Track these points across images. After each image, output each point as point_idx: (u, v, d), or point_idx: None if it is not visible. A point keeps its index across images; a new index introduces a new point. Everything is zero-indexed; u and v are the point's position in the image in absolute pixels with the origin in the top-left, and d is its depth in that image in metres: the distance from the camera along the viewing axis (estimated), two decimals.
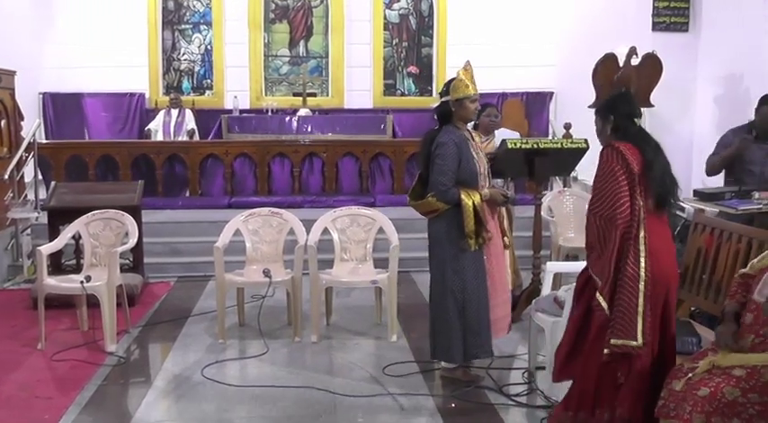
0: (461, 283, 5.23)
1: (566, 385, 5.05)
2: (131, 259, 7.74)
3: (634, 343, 3.80)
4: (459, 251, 5.21)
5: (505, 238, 5.49)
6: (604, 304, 3.88)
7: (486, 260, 5.29)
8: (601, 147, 4.16)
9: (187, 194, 10.56)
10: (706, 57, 9.52)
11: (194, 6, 14.39)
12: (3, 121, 8.68)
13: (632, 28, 9.93)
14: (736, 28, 8.74)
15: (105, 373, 5.60)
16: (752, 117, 6.80)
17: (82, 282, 6.15)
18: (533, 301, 5.46)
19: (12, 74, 8.93)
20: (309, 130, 12.37)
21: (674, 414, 3.46)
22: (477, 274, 5.26)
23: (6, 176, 8.52)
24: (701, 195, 6.07)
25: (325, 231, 6.81)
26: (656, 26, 9.65)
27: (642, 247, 3.86)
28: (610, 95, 4.53)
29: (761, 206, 5.49)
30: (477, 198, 5.19)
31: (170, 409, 5.03)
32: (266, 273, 6.41)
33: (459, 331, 5.25)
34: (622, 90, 4.64)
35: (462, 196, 5.18)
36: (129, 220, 6.81)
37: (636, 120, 4.20)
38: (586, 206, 7.97)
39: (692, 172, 9.57)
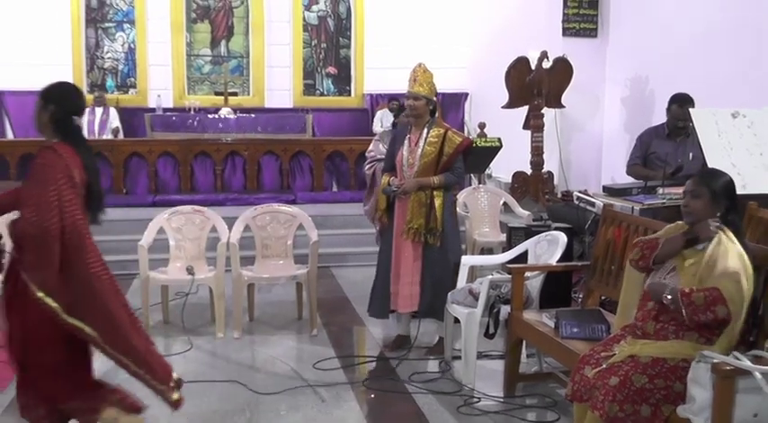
0: (379, 252, 6.06)
1: (478, 373, 5.16)
2: None
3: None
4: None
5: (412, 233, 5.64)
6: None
7: (394, 241, 5.72)
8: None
9: (111, 193, 10.35)
10: (613, 61, 9.71)
11: (117, 5, 14.12)
12: None
13: (543, 33, 10.06)
14: (641, 34, 8.95)
15: None
16: (657, 116, 6.96)
17: (4, 282, 5.98)
18: (449, 293, 5.50)
19: None
20: (231, 128, 12.25)
21: (586, 398, 3.54)
22: (384, 249, 5.92)
23: None
24: (609, 191, 6.17)
25: (247, 228, 6.76)
26: (567, 32, 9.80)
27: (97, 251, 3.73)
28: (57, 82, 3.96)
29: (665, 201, 5.60)
30: (384, 181, 5.78)
31: None
32: (189, 270, 6.36)
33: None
34: (68, 82, 4.10)
35: (383, 177, 5.85)
36: None
37: (76, 118, 3.87)
38: (500, 202, 8.17)
39: (601, 169, 9.79)
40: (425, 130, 5.66)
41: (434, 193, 5.60)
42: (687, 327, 3.50)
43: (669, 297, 3.47)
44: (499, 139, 6.51)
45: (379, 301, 5.91)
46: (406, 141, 5.71)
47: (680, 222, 3.81)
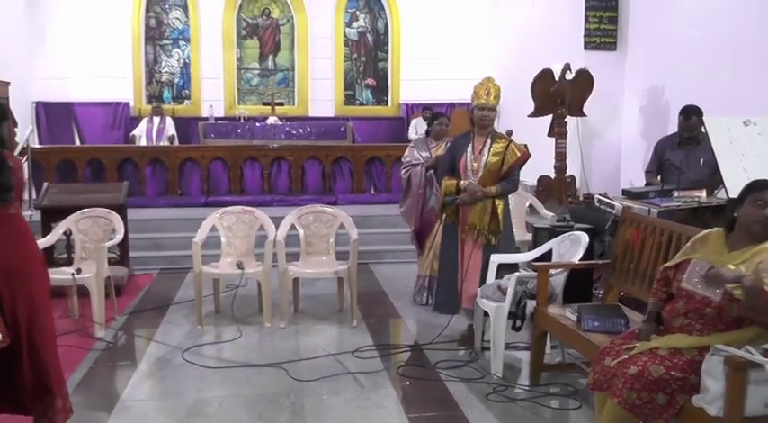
0: (441, 251, 6.03)
1: (506, 363, 5.14)
2: (118, 253, 7.62)
3: None
4: (444, 226, 5.93)
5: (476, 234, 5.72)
6: None
7: (460, 241, 5.74)
8: None
9: (168, 194, 10.45)
10: (632, 72, 9.62)
11: (174, 24, 14.30)
12: None
13: (566, 47, 10.00)
14: (658, 48, 8.86)
15: (95, 357, 5.53)
16: (673, 125, 6.90)
17: (73, 274, 6.11)
18: (479, 288, 5.49)
19: (6, 84, 8.78)
20: (277, 135, 12.30)
21: (606, 387, 3.50)
22: (449, 249, 5.85)
23: None
24: (628, 194, 6.10)
25: (292, 227, 6.78)
26: (588, 45, 9.73)
27: None
28: None
29: (680, 204, 5.54)
30: (449, 185, 5.75)
31: (153, 390, 4.99)
32: (239, 265, 6.38)
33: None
34: None
35: (443, 181, 5.83)
36: (116, 217, 6.73)
37: None
38: (526, 204, 8.11)
39: (620, 173, 9.71)
40: (489, 140, 5.72)
41: (496, 199, 5.70)
42: (713, 327, 3.45)
43: (746, 285, 3.24)
44: (526, 146, 6.47)
45: (447, 298, 5.90)
46: (469, 148, 5.74)
47: (717, 230, 3.73)
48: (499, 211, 5.69)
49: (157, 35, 14.29)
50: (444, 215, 5.88)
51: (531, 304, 5.03)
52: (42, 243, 6.47)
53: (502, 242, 5.73)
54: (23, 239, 3.70)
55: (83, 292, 6.24)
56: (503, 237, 5.74)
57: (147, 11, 14.14)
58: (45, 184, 8.32)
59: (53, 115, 13.35)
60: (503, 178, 5.70)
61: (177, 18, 14.30)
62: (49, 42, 13.32)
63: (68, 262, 7.13)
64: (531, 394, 4.79)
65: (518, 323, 5.14)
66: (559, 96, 9.28)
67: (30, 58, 12.96)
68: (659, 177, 6.83)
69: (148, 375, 5.21)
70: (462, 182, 5.68)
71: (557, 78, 9.33)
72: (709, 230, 3.79)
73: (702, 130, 6.12)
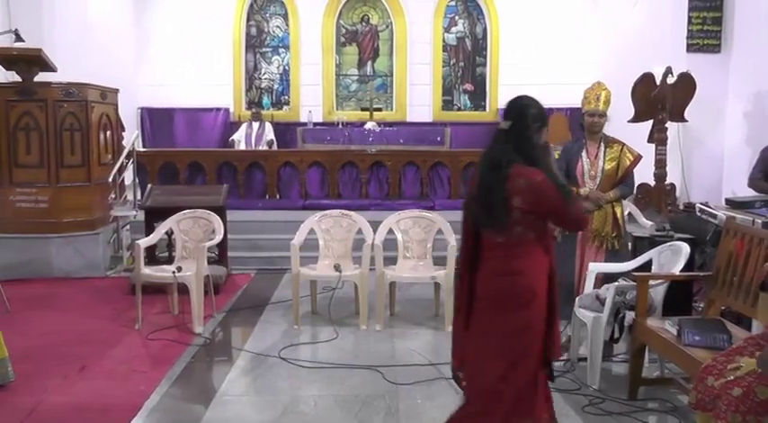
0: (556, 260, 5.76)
1: (603, 376, 5.03)
2: (217, 253, 7.81)
3: None
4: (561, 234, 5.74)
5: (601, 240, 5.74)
6: None
7: (578, 247, 5.71)
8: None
9: (266, 197, 10.62)
10: (736, 76, 9.34)
11: (274, 32, 14.58)
12: (108, 132, 8.85)
13: (668, 49, 9.79)
14: (764, 49, 8.56)
15: (193, 352, 5.69)
16: None
17: (174, 272, 6.28)
18: (577, 298, 5.39)
19: (115, 91, 9.10)
20: (375, 140, 12.36)
21: (709, 408, 3.38)
22: (567, 257, 5.66)
23: (110, 179, 8.70)
24: (732, 203, 5.93)
25: (390, 231, 6.81)
26: (690, 48, 9.52)
27: None
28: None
29: None
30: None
31: (250, 386, 5.07)
32: (337, 267, 6.44)
33: None
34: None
35: None
36: (216, 218, 6.90)
37: None
38: (625, 212, 7.90)
39: (722, 181, 9.42)
40: (602, 145, 5.74)
41: (614, 203, 5.73)
42: None
43: None
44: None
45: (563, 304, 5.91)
46: (583, 154, 5.76)
47: None
48: (618, 215, 5.73)
49: (258, 43, 14.60)
50: None
51: (629, 316, 4.91)
52: (146, 242, 6.72)
53: (623, 247, 5.75)
54: None
55: (183, 289, 6.40)
56: (623, 242, 5.78)
57: (248, 19, 14.48)
58: (149, 186, 8.61)
59: (157, 120, 13.85)
60: (619, 182, 5.69)
61: (277, 26, 14.58)
62: (154, 50, 13.84)
63: (169, 260, 7.34)
64: (628, 409, 4.65)
65: (616, 335, 5.02)
66: (660, 101, 9.09)
67: (136, 65, 13.53)
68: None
69: (245, 372, 5.31)
70: (583, 189, 5.66)
71: (658, 82, 9.12)
72: None
73: None
